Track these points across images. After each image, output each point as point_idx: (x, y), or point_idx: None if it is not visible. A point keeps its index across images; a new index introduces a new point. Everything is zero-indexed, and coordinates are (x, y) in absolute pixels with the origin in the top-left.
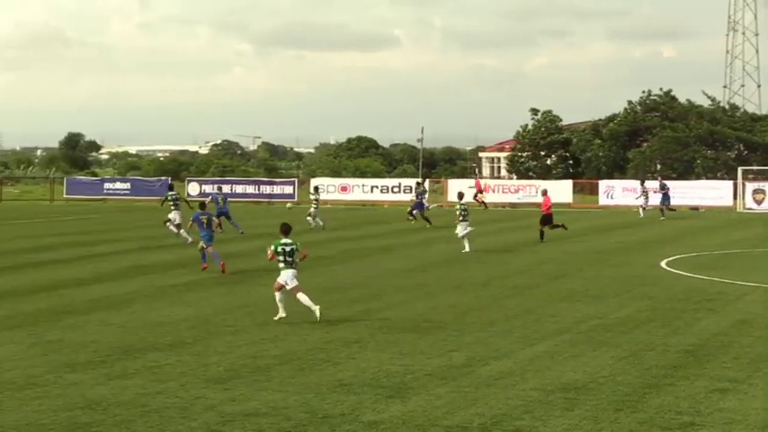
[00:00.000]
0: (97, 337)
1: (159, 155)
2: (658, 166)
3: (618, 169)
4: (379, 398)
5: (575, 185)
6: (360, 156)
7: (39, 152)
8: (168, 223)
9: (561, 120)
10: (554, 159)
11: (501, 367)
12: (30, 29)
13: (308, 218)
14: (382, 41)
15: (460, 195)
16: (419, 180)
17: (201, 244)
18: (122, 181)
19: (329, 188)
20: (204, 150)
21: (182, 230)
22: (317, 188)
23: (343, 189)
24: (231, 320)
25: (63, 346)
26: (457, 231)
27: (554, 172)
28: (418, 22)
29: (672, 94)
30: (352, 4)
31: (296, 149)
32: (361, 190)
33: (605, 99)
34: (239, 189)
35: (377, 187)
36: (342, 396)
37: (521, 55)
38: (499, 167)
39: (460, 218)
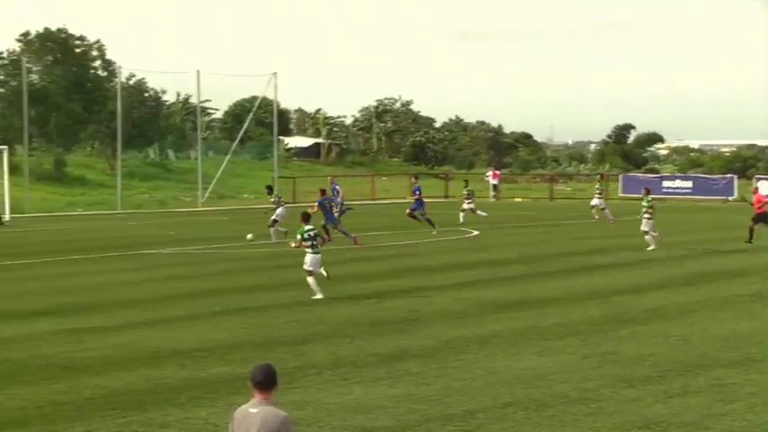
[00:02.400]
0: (655, 349)
1: (724, 150)
2: None
3: None
4: None
5: None
6: None
7: (592, 147)
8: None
9: None
10: None
11: None
12: (581, 14)
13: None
14: None
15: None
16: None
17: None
18: (683, 179)
19: None
20: None
21: (271, 229)
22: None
23: None
24: None
25: (618, 359)
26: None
27: None
28: None
29: None
30: None
31: None
32: None
33: None
34: None
35: None
36: None
37: None
38: None
39: None
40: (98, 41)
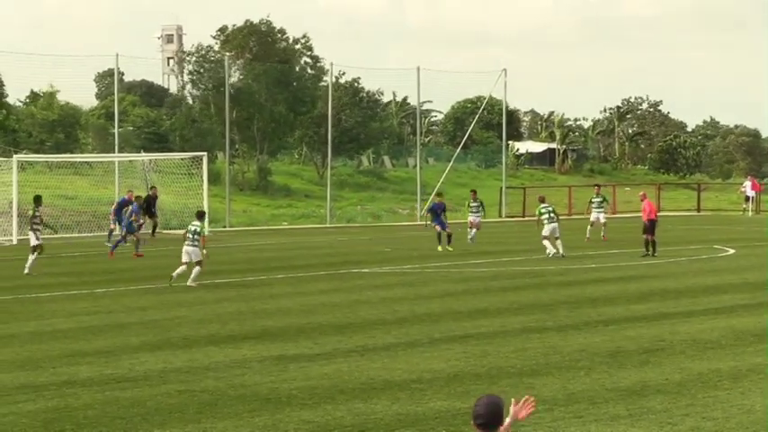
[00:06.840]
0: None
1: None
2: None
3: None
4: None
5: None
6: None
7: None
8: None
9: None
10: None
11: None
12: None
13: None
14: None
15: (542, 198)
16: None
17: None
18: None
19: None
20: None
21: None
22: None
23: None
24: None
25: None
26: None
27: None
28: None
29: None
30: None
31: None
32: None
33: None
34: None
35: None
36: None
37: None
38: None
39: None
40: (304, 36)
